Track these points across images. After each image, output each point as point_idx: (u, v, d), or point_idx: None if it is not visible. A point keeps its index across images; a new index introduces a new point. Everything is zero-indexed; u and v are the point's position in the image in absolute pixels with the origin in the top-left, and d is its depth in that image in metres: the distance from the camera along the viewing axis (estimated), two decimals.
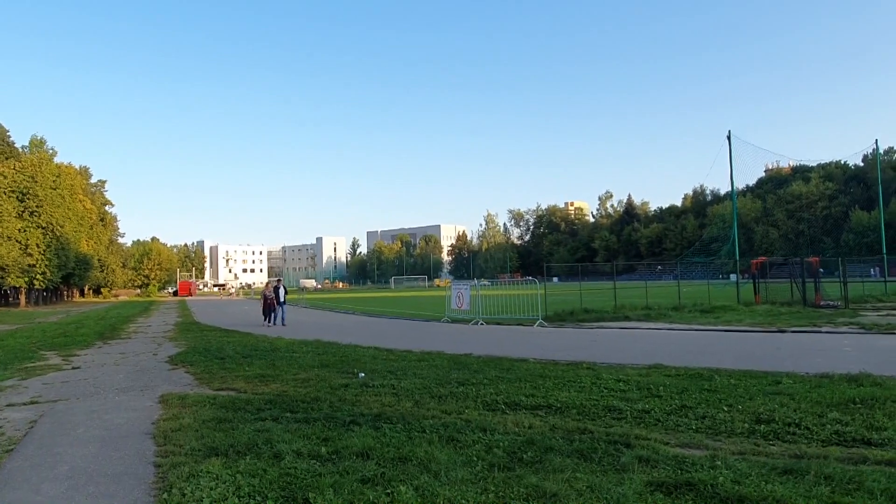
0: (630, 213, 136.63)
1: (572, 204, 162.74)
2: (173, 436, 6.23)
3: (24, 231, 52.79)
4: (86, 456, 5.77)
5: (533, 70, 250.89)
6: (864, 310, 21.72)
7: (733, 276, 37.25)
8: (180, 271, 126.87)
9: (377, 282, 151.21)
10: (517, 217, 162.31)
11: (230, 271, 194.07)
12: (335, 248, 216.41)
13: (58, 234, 56.36)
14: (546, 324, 20.13)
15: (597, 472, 4.75)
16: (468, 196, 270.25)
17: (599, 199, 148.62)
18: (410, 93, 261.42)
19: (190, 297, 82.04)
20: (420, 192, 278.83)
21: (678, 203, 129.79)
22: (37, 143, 69.78)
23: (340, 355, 12.91)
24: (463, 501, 4.18)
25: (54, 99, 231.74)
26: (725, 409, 6.80)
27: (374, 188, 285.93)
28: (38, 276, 54.00)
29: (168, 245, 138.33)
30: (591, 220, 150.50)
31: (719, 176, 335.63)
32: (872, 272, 41.59)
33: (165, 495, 4.50)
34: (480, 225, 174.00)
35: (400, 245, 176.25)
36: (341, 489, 4.42)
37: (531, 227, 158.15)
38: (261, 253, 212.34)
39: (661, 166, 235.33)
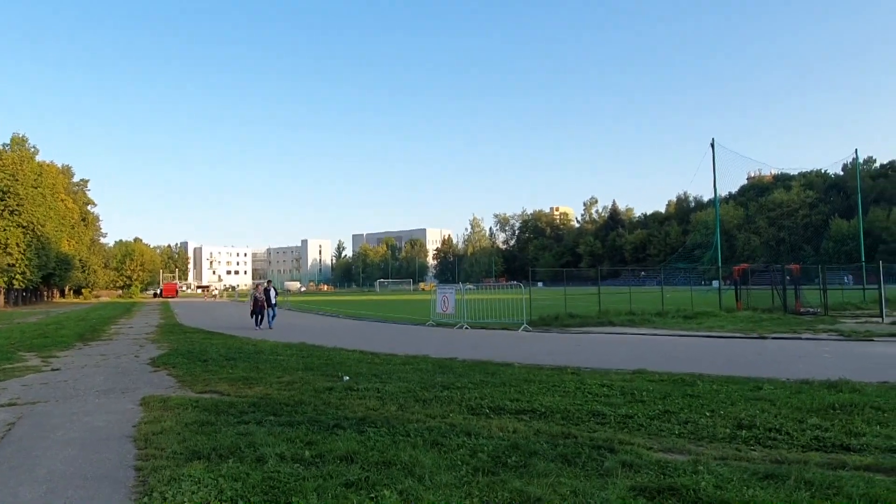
0: (615, 218, 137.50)
1: (558, 209, 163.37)
2: (154, 439, 6.17)
3: (4, 230, 52.11)
4: (65, 459, 5.69)
5: (519, 76, 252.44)
6: (844, 317, 22.05)
7: (716, 283, 37.59)
8: (163, 272, 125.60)
9: (362, 285, 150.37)
10: (503, 221, 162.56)
11: (214, 273, 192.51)
12: (320, 251, 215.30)
13: (38, 233, 55.64)
14: (531, 328, 20.19)
15: (580, 476, 4.77)
16: (454, 200, 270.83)
17: (584, 204, 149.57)
18: (396, 97, 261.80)
19: (173, 299, 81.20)
20: (406, 196, 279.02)
21: (662, 209, 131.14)
22: (18, 141, 68.64)
23: (325, 358, 12.85)
24: None
25: (36, 97, 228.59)
26: (707, 414, 6.87)
27: (360, 191, 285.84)
28: (17, 276, 53.29)
29: (151, 246, 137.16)
30: (577, 225, 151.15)
31: (703, 183, 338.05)
32: (846, 279, 42.25)
33: (146, 499, 4.45)
34: (466, 229, 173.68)
35: (385, 248, 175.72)
36: (325, 493, 4.40)
37: (517, 232, 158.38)
38: (245, 255, 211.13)
39: (645, 173, 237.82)
